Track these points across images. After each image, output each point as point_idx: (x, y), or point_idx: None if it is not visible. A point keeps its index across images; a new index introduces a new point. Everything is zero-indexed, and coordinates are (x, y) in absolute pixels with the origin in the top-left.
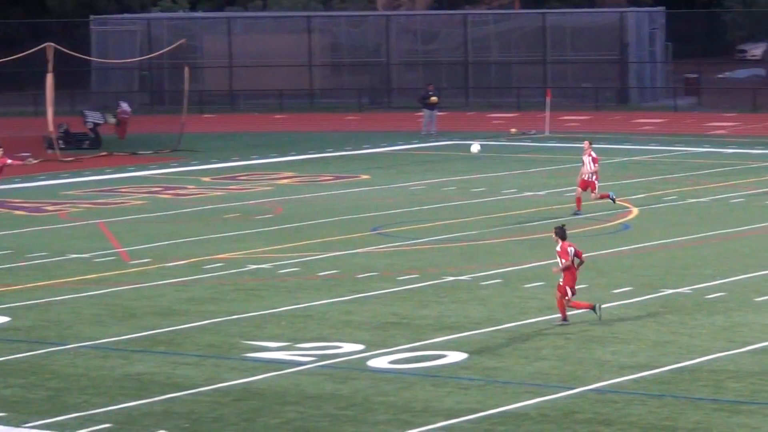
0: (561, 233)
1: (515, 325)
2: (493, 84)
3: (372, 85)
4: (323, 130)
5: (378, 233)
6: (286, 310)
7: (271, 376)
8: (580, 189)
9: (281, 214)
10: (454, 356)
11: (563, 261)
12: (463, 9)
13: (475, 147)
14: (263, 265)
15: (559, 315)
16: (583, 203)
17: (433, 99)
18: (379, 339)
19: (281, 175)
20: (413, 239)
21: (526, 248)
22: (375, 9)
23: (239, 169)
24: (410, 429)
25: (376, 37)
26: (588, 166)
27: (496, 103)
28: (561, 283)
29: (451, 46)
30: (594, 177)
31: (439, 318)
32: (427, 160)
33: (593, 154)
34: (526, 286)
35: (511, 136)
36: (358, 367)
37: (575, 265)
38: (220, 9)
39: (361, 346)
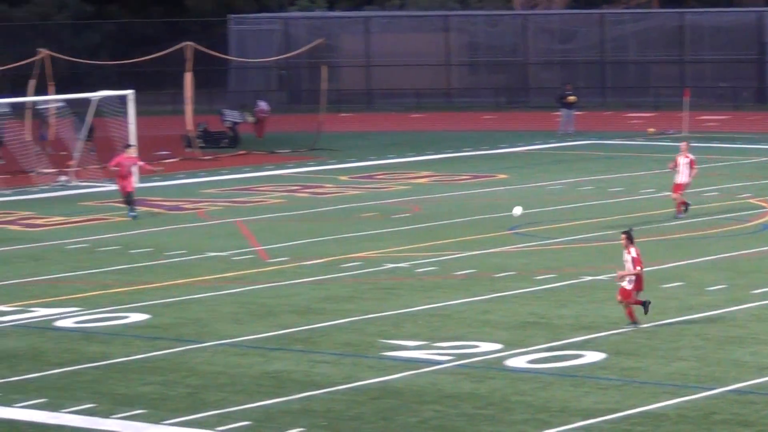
0: (631, 237)
1: (653, 326)
2: (630, 83)
3: (509, 85)
4: (460, 129)
5: (515, 233)
6: (424, 309)
7: (408, 375)
8: (677, 194)
9: (418, 213)
10: (592, 356)
11: (638, 268)
12: (601, 8)
13: (518, 210)
14: (400, 264)
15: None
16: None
17: (571, 98)
18: (516, 338)
19: (418, 174)
20: (550, 239)
21: (664, 248)
22: (512, 8)
23: (376, 168)
24: (548, 429)
25: (513, 37)
26: (683, 168)
27: (634, 102)
28: (629, 288)
29: (588, 45)
30: (686, 179)
31: (577, 317)
32: (564, 160)
33: (690, 156)
34: (664, 286)
35: (649, 136)
36: (495, 366)
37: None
38: (358, 8)
39: (498, 346)
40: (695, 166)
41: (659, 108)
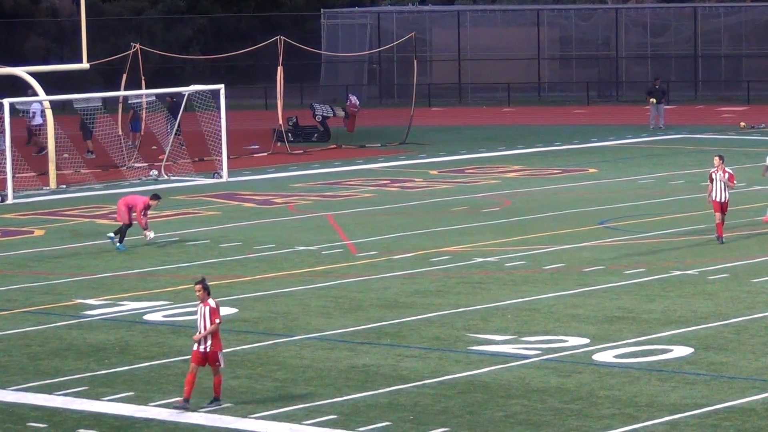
0: (207, 288)
1: (743, 320)
2: (722, 77)
3: (600, 79)
4: (551, 123)
5: (605, 227)
6: (512, 303)
7: (496, 369)
8: (719, 214)
9: (508, 207)
10: (680, 350)
11: (217, 320)
12: (693, 2)
13: (150, 234)
14: (490, 258)
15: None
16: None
17: (652, 99)
18: (604, 333)
19: (509, 169)
20: (640, 233)
21: (754, 243)
22: (605, 2)
23: (466, 162)
24: (635, 423)
25: (605, 30)
26: (720, 185)
27: (726, 96)
28: (211, 349)
29: (681, 39)
30: (725, 198)
31: (665, 312)
32: (655, 154)
33: (729, 170)
34: (754, 280)
35: (741, 130)
36: (583, 361)
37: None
38: (450, 2)
39: (586, 340)
40: (733, 183)
41: (751, 102)
